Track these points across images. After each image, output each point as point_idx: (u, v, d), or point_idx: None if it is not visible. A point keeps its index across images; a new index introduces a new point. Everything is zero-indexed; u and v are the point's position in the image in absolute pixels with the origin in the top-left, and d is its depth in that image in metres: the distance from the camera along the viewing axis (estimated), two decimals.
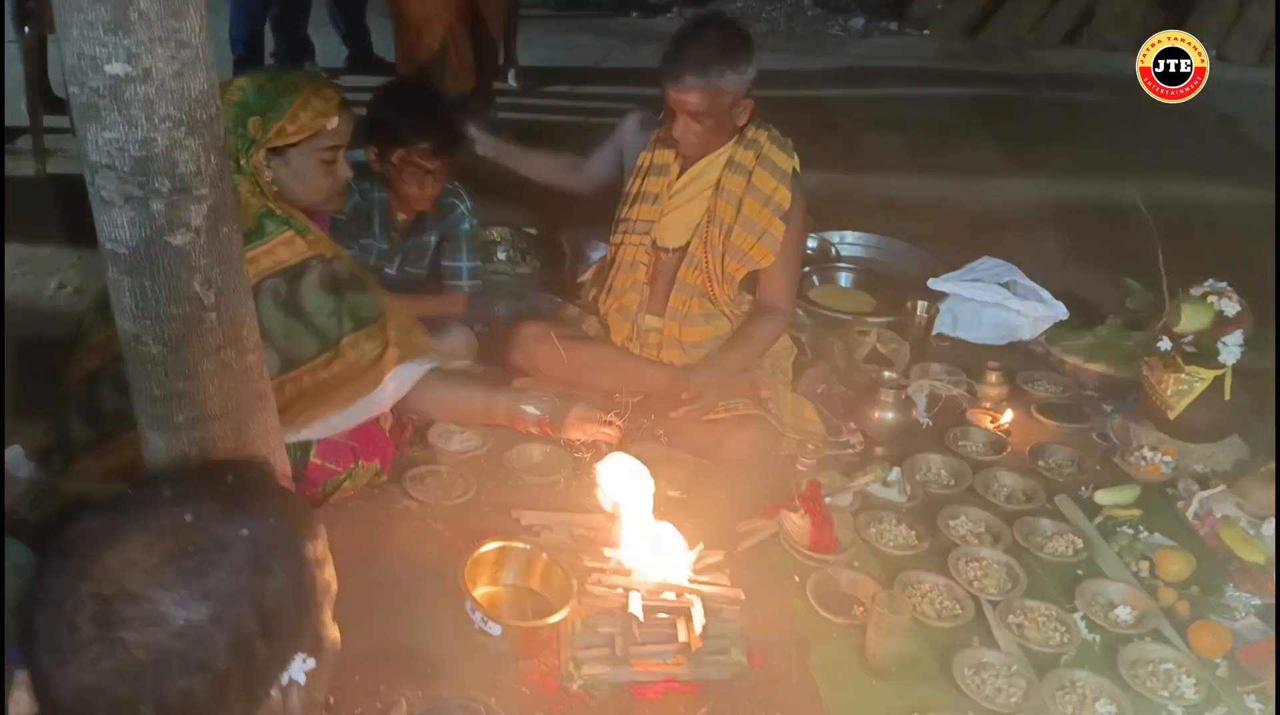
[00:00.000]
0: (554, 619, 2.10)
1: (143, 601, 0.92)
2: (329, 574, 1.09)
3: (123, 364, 2.18)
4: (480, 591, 2.20)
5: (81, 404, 2.24)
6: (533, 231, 3.78)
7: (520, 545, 2.28)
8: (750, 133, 2.78)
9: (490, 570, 2.27)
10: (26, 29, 4.03)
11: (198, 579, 0.94)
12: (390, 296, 2.59)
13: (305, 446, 2.31)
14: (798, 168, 2.80)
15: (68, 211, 2.25)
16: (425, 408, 2.49)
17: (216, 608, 0.95)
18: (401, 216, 3.02)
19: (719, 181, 2.78)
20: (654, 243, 2.87)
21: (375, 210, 2.98)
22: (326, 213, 2.50)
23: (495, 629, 2.07)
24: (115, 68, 1.40)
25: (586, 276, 3.17)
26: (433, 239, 3.08)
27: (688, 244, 2.85)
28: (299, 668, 1.04)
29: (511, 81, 5.60)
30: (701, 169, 2.79)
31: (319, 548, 1.07)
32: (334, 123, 2.22)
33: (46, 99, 4.19)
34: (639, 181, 2.85)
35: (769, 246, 2.79)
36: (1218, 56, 7.20)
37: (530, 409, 2.45)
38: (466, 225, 3.09)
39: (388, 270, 3.06)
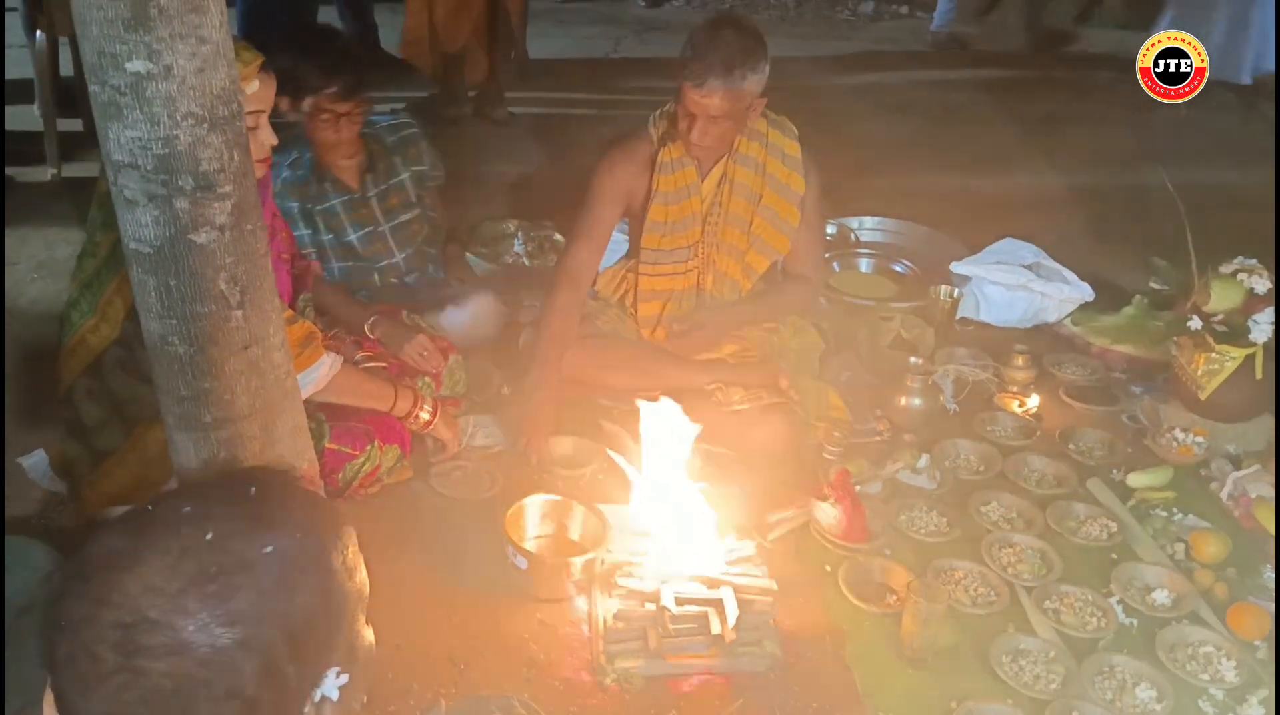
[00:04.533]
0: (584, 558, 2.19)
1: (164, 629, 0.88)
2: (361, 579, 1.05)
3: (122, 347, 2.17)
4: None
5: (91, 392, 2.23)
6: (549, 224, 3.75)
7: (555, 497, 2.39)
8: (751, 123, 2.72)
9: (537, 524, 2.37)
10: (39, 33, 4.02)
11: (221, 602, 0.90)
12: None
13: (319, 432, 2.29)
14: (800, 149, 2.80)
15: (85, 214, 2.25)
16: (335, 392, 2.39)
17: (243, 632, 0.90)
18: (343, 163, 2.86)
19: (725, 174, 2.77)
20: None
21: (310, 174, 2.84)
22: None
23: (522, 562, 2.18)
24: (136, 65, 1.39)
25: (595, 288, 2.96)
26: (405, 173, 2.96)
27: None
28: (332, 684, 1.00)
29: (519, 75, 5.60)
30: (719, 173, 2.78)
31: (349, 555, 1.03)
32: (253, 87, 2.10)
33: (60, 103, 4.18)
34: (663, 209, 2.77)
35: (788, 235, 2.82)
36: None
37: (424, 414, 2.50)
38: (415, 131, 2.99)
39: (406, 280, 3.02)
